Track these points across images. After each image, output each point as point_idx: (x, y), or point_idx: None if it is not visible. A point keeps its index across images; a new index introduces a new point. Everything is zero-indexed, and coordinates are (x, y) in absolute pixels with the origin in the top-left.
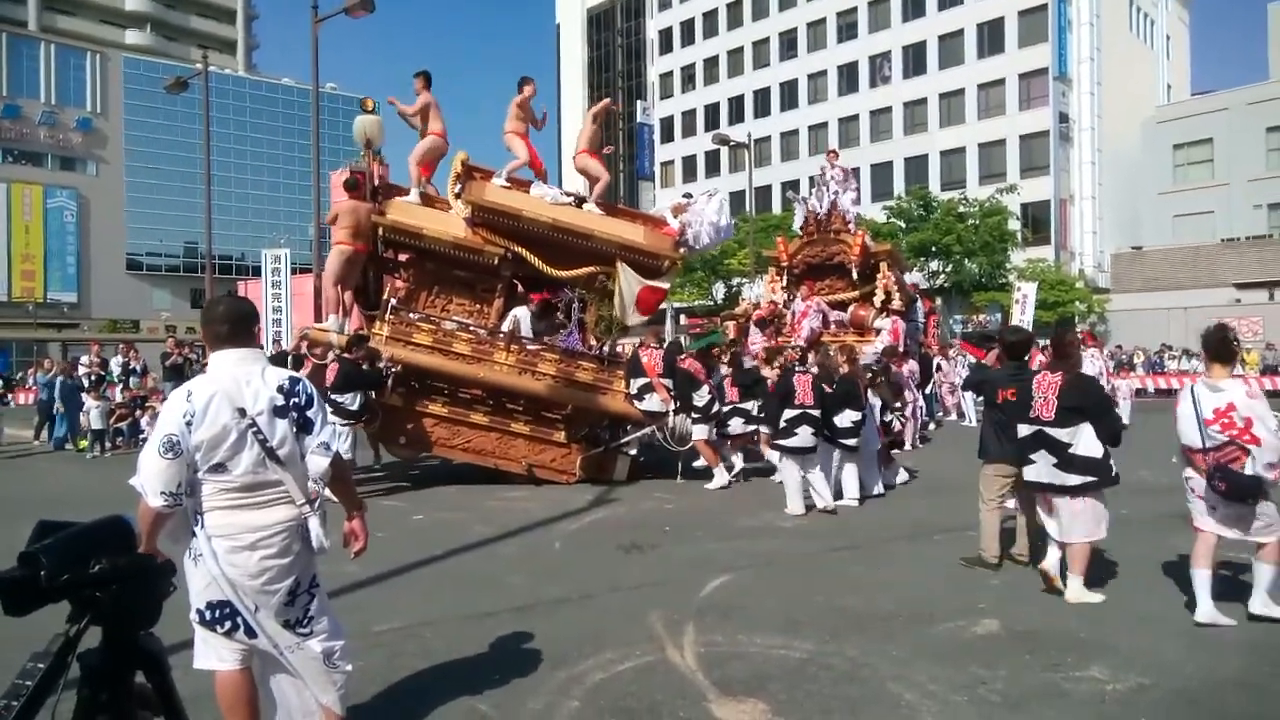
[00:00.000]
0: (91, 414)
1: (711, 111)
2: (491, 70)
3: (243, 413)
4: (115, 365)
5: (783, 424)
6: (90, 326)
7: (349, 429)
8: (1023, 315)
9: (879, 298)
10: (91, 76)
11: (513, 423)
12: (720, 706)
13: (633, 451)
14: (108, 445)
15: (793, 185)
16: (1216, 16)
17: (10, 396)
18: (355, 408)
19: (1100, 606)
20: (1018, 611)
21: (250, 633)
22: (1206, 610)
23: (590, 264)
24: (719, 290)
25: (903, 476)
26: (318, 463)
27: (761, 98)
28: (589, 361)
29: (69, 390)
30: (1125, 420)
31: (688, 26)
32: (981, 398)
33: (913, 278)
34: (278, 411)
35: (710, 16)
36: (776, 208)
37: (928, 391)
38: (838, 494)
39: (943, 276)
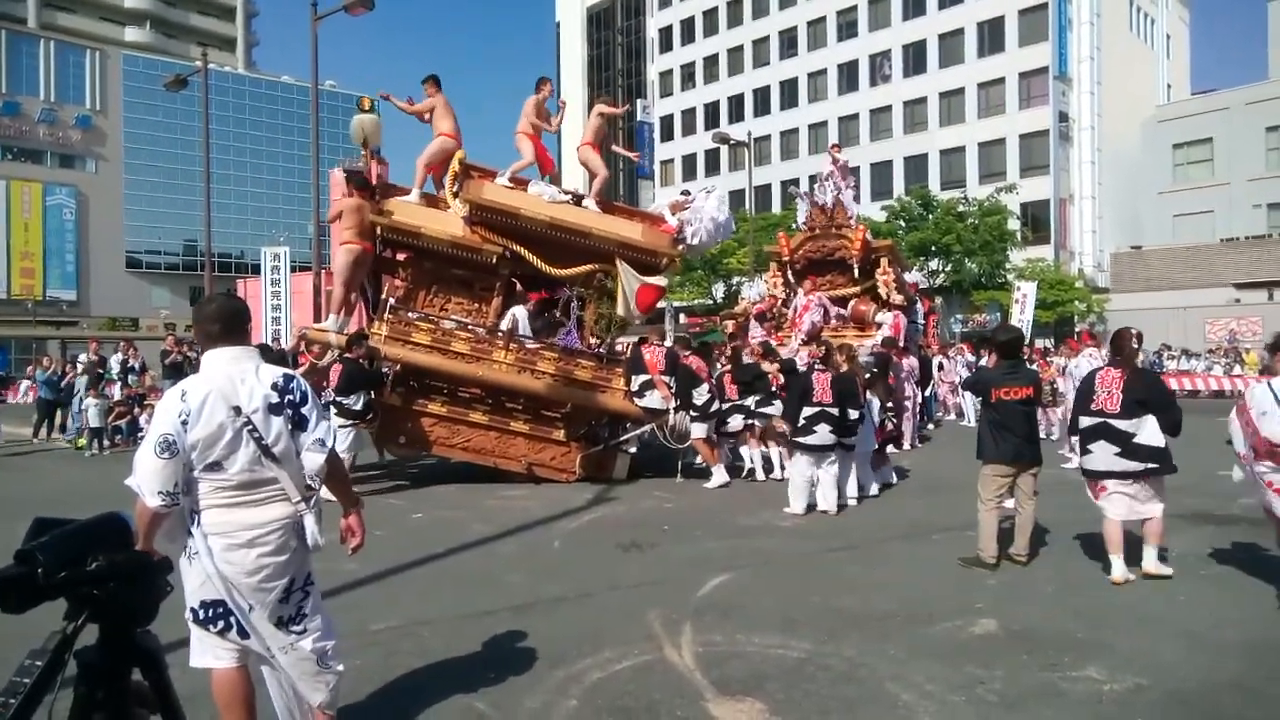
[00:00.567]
0: (90, 412)
1: (711, 110)
2: (491, 68)
3: (238, 411)
4: (114, 363)
5: (801, 421)
6: (89, 324)
7: (353, 428)
8: (1022, 315)
9: (881, 292)
10: (91, 74)
11: (512, 421)
12: (718, 706)
13: (632, 450)
14: (106, 443)
15: (793, 183)
16: (1217, 16)
17: (5, 394)
18: (359, 407)
19: (1098, 607)
20: (1015, 611)
21: (243, 633)
22: None
23: (588, 262)
24: (718, 289)
25: (893, 476)
26: (313, 459)
27: (761, 96)
28: (588, 359)
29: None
30: None
31: (688, 25)
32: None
33: (912, 277)
34: (273, 409)
35: (710, 15)
36: (776, 206)
37: (927, 392)
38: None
39: (942, 276)
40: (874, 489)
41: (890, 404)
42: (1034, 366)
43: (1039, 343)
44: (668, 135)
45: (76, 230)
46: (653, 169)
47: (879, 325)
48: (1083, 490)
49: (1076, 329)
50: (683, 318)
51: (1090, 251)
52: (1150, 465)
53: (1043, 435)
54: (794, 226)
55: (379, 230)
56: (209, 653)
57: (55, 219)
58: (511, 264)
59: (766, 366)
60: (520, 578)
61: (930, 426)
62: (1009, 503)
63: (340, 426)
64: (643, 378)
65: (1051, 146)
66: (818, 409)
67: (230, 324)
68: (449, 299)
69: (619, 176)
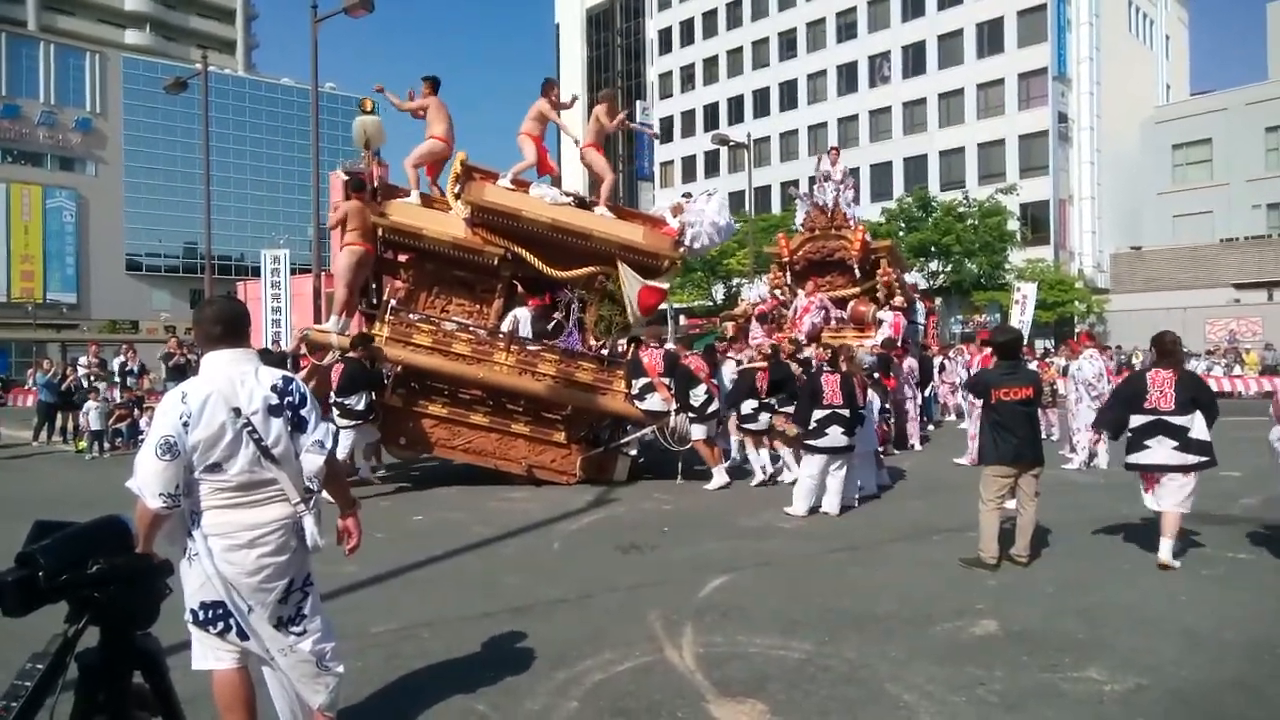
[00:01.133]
0: (90, 415)
1: (711, 111)
2: (491, 70)
3: (238, 412)
4: (115, 366)
5: (813, 424)
6: (89, 327)
7: (353, 430)
8: (1022, 315)
9: (880, 293)
10: (91, 76)
11: (513, 423)
12: (719, 707)
13: (633, 452)
14: (106, 446)
15: (792, 185)
16: (1215, 16)
17: (7, 398)
18: (361, 407)
19: (1099, 607)
20: (1016, 612)
21: (242, 635)
22: None
23: (590, 264)
24: (718, 291)
25: (886, 479)
26: (312, 461)
27: (761, 98)
28: (589, 362)
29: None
30: None
31: (687, 26)
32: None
33: (912, 278)
34: (272, 410)
35: (709, 16)
36: (776, 208)
37: (927, 393)
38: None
39: (942, 277)
40: (873, 489)
41: (889, 405)
42: (1033, 367)
43: (1039, 344)
44: (667, 137)
45: (76, 233)
46: (652, 170)
47: (879, 325)
48: (1083, 491)
49: (1076, 330)
50: (683, 319)
51: (1090, 252)
52: (1202, 459)
53: (1043, 436)
54: (793, 228)
55: (380, 232)
56: (210, 655)
57: (55, 222)
58: (513, 266)
59: (795, 367)
60: (521, 579)
61: (931, 427)
62: (1010, 504)
63: (343, 427)
64: (643, 380)
65: (1051, 147)
66: (829, 411)
67: (230, 326)
68: (450, 300)
69: (618, 179)
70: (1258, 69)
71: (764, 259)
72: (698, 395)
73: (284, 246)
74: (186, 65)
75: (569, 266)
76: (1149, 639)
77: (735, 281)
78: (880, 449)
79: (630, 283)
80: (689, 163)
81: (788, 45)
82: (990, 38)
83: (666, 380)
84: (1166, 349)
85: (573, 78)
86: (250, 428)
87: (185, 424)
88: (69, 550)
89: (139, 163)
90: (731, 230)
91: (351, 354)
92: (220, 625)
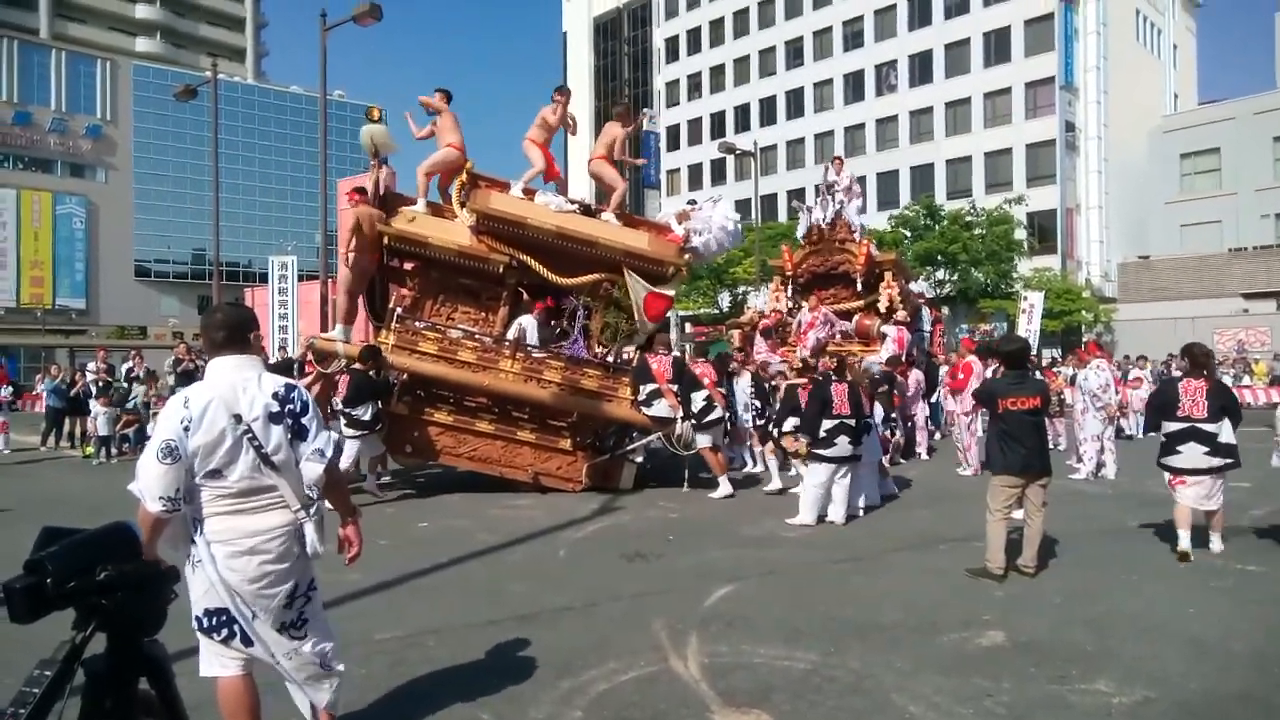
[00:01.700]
0: (98, 420)
1: (717, 120)
2: (499, 79)
3: (239, 419)
4: (122, 372)
5: (822, 434)
6: (98, 333)
7: (357, 440)
8: (1029, 325)
9: (884, 305)
10: (101, 84)
11: (518, 431)
12: (724, 717)
13: (639, 459)
14: (113, 451)
15: (798, 194)
16: (1223, 25)
17: (17, 403)
18: (368, 417)
19: (1106, 618)
20: (1023, 623)
21: (246, 641)
22: None
23: (595, 271)
24: (724, 299)
25: (892, 488)
26: (312, 469)
27: (768, 106)
28: (594, 369)
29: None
30: (1138, 433)
31: (694, 35)
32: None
33: (919, 287)
34: (273, 418)
35: (717, 25)
36: (782, 216)
37: (934, 401)
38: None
39: (949, 285)
40: (878, 499)
41: (894, 416)
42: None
43: (1046, 353)
44: (674, 145)
45: (86, 239)
46: (659, 178)
47: (883, 338)
48: (1091, 501)
49: (1084, 339)
50: (688, 326)
51: (1097, 261)
52: (1228, 461)
53: (1050, 446)
54: (796, 239)
55: (386, 240)
56: (215, 661)
57: (65, 228)
58: (518, 273)
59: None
60: (526, 587)
61: (938, 436)
62: (1018, 514)
63: (350, 437)
64: (650, 386)
65: (1058, 156)
66: (837, 421)
67: (235, 332)
68: (456, 308)
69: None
70: (1266, 78)
71: (770, 268)
72: (697, 400)
73: (291, 253)
74: (196, 73)
75: (575, 273)
76: (1157, 650)
77: (741, 289)
78: (885, 457)
79: (637, 290)
80: (695, 170)
81: (794, 54)
82: (997, 47)
83: (674, 387)
84: (1198, 360)
85: (580, 86)
86: (250, 434)
87: (186, 428)
88: (77, 557)
89: (149, 169)
90: (740, 235)
91: (358, 365)
92: (224, 632)
